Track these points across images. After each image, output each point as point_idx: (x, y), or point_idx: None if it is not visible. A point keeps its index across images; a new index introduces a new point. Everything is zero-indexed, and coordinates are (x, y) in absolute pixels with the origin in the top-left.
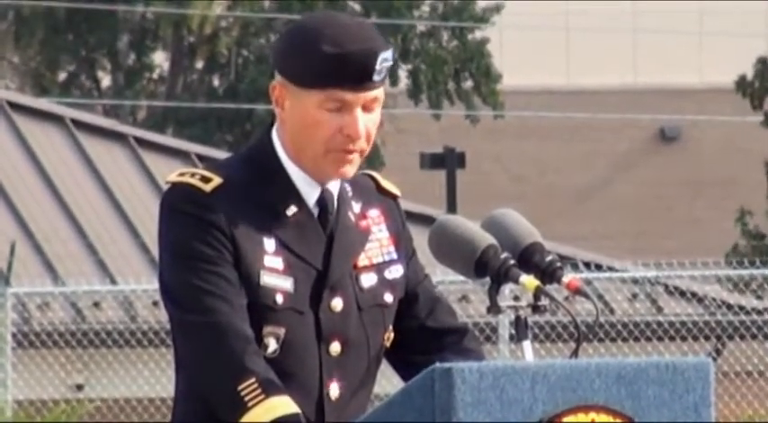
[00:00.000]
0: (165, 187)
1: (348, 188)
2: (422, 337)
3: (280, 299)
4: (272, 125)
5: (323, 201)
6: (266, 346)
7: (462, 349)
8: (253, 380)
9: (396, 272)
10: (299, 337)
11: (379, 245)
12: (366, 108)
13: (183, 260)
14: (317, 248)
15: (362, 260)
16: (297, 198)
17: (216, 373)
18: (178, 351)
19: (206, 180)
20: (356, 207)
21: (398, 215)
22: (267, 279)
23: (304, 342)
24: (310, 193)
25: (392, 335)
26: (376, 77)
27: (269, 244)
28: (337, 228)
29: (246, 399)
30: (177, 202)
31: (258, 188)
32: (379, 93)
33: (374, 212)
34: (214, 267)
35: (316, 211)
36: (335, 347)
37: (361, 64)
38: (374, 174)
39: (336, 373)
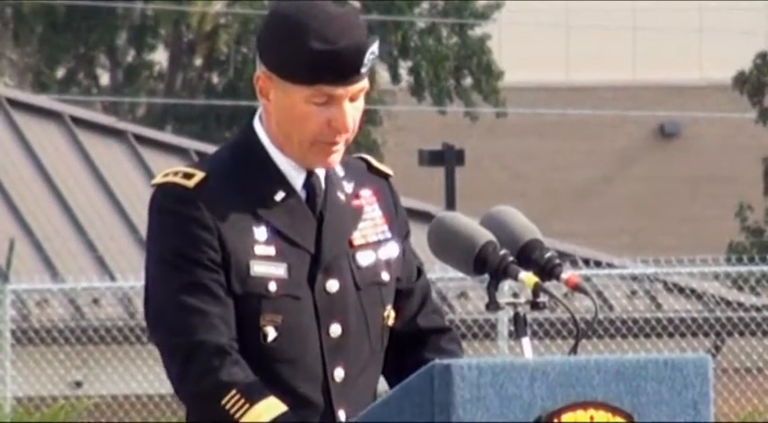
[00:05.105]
0: (152, 191)
1: (340, 169)
2: (407, 334)
3: (273, 287)
4: (254, 114)
5: (310, 184)
6: (266, 335)
7: (438, 349)
8: (234, 392)
9: (391, 251)
10: (298, 322)
11: (372, 224)
12: (352, 99)
13: (162, 269)
14: (309, 231)
15: (358, 239)
16: (284, 183)
17: (198, 396)
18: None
19: (188, 176)
20: (348, 187)
21: (391, 195)
22: (258, 268)
23: (303, 327)
24: (297, 178)
25: (393, 313)
26: (363, 70)
27: (259, 232)
28: (326, 208)
29: (232, 411)
30: (162, 202)
31: (244, 177)
32: (365, 83)
33: (366, 192)
34: (193, 272)
35: (303, 195)
36: (335, 329)
37: (350, 60)
38: (366, 156)
39: (339, 356)
